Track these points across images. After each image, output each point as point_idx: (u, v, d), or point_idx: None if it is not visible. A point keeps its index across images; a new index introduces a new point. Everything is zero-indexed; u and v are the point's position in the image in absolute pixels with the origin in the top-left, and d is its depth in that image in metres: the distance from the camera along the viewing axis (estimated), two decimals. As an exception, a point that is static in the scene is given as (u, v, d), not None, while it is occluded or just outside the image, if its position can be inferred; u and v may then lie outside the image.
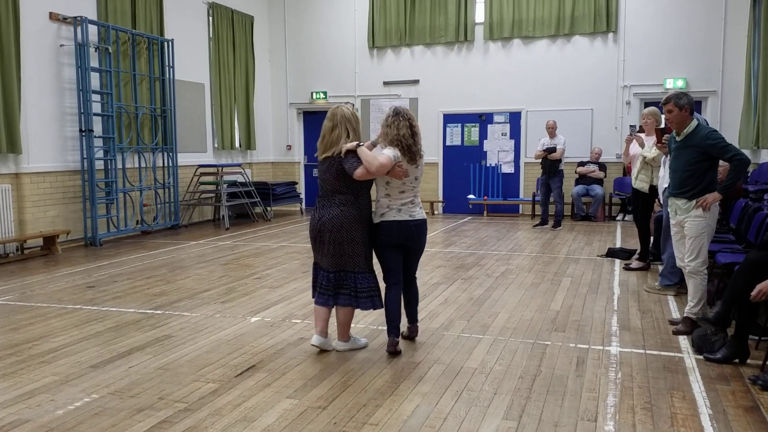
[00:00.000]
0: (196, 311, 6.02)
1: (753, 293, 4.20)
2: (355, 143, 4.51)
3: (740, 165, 5.04)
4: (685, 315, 5.29)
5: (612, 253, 8.63)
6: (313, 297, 4.82)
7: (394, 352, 4.69)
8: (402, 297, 4.84)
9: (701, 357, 4.59)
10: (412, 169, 4.65)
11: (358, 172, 4.46)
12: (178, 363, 4.58)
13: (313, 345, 4.74)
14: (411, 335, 5.06)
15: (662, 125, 6.49)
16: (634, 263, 7.86)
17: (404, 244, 4.73)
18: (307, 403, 3.85)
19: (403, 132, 4.57)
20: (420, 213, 4.76)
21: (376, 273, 4.77)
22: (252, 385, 4.14)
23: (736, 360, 4.47)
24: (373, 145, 4.83)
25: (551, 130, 11.76)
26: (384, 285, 4.76)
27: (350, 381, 4.20)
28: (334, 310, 4.80)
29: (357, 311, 4.92)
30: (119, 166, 10.68)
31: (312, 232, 4.71)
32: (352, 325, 4.90)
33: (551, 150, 11.56)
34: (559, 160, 11.65)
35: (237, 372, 4.38)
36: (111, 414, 3.70)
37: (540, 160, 11.83)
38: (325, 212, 4.61)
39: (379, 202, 4.72)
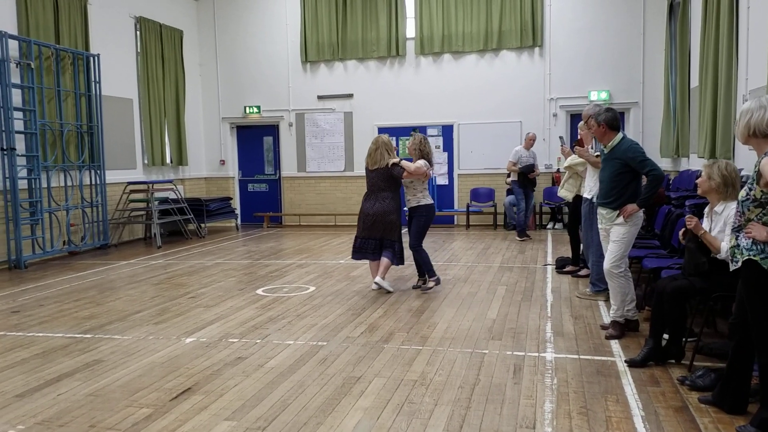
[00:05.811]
0: (128, 334, 5.84)
1: (690, 227, 4.53)
2: (397, 158, 7.25)
3: (655, 180, 5.28)
4: (611, 319, 5.48)
5: (563, 264, 8.49)
6: (354, 258, 7.47)
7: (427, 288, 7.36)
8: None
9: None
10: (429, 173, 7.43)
11: (404, 175, 7.18)
12: (110, 388, 4.42)
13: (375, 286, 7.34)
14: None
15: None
16: (568, 267, 8.18)
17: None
18: (246, 424, 3.77)
19: (427, 149, 7.41)
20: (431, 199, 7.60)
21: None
22: (188, 408, 4.04)
23: (651, 362, 4.62)
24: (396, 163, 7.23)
25: (531, 142, 11.95)
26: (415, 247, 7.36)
27: (290, 400, 4.14)
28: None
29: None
30: (44, 185, 10.27)
31: (366, 216, 7.26)
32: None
33: (530, 170, 11.72)
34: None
35: (172, 396, 4.26)
36: (38, 445, 3.54)
37: (510, 173, 11.99)
38: (375, 203, 7.20)
39: (414, 195, 7.38)
